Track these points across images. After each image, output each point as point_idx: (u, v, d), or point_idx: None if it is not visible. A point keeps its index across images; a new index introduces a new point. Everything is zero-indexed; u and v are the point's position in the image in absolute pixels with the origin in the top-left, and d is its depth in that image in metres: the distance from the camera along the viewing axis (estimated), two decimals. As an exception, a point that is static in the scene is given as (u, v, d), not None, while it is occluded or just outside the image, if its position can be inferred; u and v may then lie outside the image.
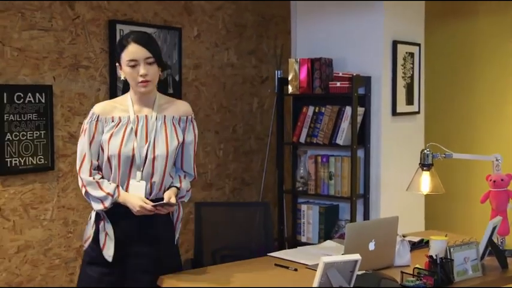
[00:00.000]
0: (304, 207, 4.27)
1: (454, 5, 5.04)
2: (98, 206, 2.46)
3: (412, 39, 4.37)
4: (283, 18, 4.88)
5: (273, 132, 4.64)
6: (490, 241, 2.56)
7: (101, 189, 2.43)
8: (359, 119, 4.09)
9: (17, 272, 3.46)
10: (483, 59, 4.98)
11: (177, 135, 2.52)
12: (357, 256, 2.09)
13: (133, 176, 2.46)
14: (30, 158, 3.44)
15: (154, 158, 2.46)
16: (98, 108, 2.54)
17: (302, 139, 4.24)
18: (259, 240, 3.30)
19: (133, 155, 2.44)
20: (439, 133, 4.86)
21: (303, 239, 4.24)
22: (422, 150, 2.85)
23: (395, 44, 4.18)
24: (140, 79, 2.44)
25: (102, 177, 2.49)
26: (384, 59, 4.14)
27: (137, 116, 2.50)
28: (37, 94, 3.47)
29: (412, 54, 4.35)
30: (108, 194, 2.43)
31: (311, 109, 4.23)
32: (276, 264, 2.66)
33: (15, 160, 3.38)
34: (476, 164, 4.39)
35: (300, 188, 4.32)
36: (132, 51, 2.44)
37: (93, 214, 2.54)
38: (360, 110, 4.09)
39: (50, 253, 3.60)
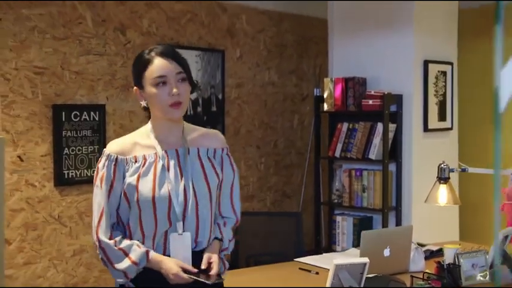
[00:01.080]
0: (339, 218, 4.48)
1: (488, 25, 5.18)
2: (119, 278, 1.98)
3: (444, 58, 4.54)
4: (322, 39, 5.14)
5: (312, 147, 4.89)
6: (502, 250, 2.73)
7: (127, 256, 1.94)
8: (391, 134, 4.29)
9: (73, 273, 3.83)
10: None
11: (215, 171, 2.06)
12: (365, 259, 2.32)
13: (173, 228, 1.96)
14: (85, 170, 3.82)
15: (197, 202, 1.98)
16: (114, 147, 2.00)
17: (337, 154, 4.47)
18: (291, 247, 3.55)
19: (170, 200, 1.94)
20: (474, 148, 4.99)
21: (338, 249, 4.45)
22: (440, 165, 3.05)
23: (426, 63, 4.37)
24: (172, 100, 1.93)
25: (124, 237, 1.99)
26: (415, 77, 4.34)
27: (166, 152, 2.00)
28: (91, 112, 3.85)
29: (444, 73, 4.52)
30: (134, 263, 1.94)
31: (345, 125, 4.46)
32: (300, 268, 2.91)
33: (72, 172, 3.76)
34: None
35: (336, 200, 4.55)
36: (160, 66, 1.94)
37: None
38: (392, 127, 4.30)
39: (102, 257, 3.97)
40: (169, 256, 1.97)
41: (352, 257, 3.13)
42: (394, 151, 4.33)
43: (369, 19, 4.51)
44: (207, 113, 4.56)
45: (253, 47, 4.87)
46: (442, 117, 4.55)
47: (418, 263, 2.79)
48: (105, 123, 3.93)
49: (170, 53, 1.98)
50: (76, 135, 3.77)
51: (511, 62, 0.93)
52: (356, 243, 4.39)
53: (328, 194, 4.68)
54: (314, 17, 5.19)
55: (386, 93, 4.25)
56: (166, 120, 2.00)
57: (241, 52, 4.79)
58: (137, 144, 2.01)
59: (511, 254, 2.71)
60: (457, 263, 2.57)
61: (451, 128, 4.63)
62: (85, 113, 3.82)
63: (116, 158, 1.97)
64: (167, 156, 2.00)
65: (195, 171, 2.01)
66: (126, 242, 1.97)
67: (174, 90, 1.93)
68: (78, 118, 3.79)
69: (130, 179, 1.96)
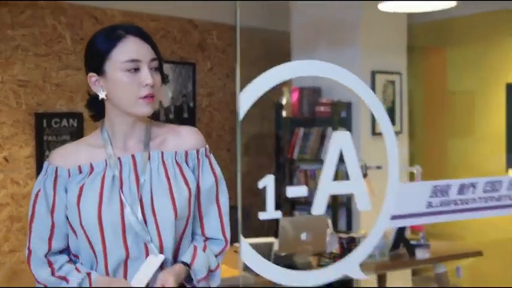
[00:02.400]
0: (297, 213, 4.98)
1: (439, 38, 5.63)
2: None
3: (393, 68, 5.02)
4: (287, 51, 5.65)
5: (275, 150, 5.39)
6: (401, 235, 3.22)
7: (67, 282, 1.59)
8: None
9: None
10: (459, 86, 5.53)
11: (185, 181, 1.62)
12: (271, 239, 2.82)
13: (137, 255, 1.57)
14: (64, 170, 4.36)
15: (157, 225, 1.57)
16: (56, 155, 1.62)
17: (295, 156, 4.97)
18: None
19: (123, 221, 1.55)
20: (423, 150, 5.46)
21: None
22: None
23: (373, 73, 4.85)
24: (145, 91, 1.54)
25: (70, 261, 1.63)
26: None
27: (119, 158, 1.60)
28: (70, 119, 4.39)
29: (393, 82, 5.00)
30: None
31: (302, 130, 4.96)
32: (234, 251, 3.40)
33: (52, 172, 4.31)
34: (451, 172, 4.96)
35: (295, 198, 5.04)
36: (134, 47, 1.55)
37: None
38: (341, 131, 4.78)
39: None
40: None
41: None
42: (345, 153, 4.81)
43: (323, 33, 5.01)
44: (179, 119, 5.08)
45: (223, 60, 5.39)
46: (391, 121, 5.01)
47: (333, 245, 3.27)
48: (83, 128, 4.46)
49: (144, 33, 1.59)
50: (56, 140, 4.31)
51: (250, 85, 1.41)
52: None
53: (289, 192, 5.16)
54: (282, 31, 5.69)
55: (336, 100, 4.74)
56: (128, 116, 1.60)
57: (211, 64, 5.31)
58: (84, 150, 1.61)
59: (409, 238, 3.20)
60: (356, 244, 3.06)
61: (400, 132, 5.10)
62: (64, 120, 4.36)
63: (56, 169, 1.59)
64: (120, 163, 1.59)
65: (155, 184, 1.58)
66: (66, 266, 1.61)
67: (150, 79, 1.54)
68: (58, 125, 4.33)
69: (71, 196, 1.57)
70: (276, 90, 5.52)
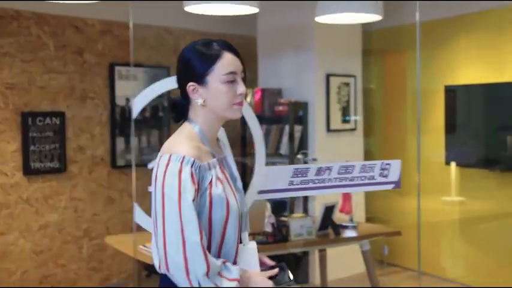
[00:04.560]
0: (260, 203, 5.50)
1: (394, 43, 6.14)
2: None
3: (347, 71, 5.54)
4: (254, 55, 6.18)
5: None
6: (328, 217, 3.74)
7: (229, 276, 1.68)
8: (298, 134, 5.31)
9: (39, 243, 4.91)
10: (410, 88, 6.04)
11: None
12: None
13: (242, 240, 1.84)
14: (48, 163, 4.91)
15: (247, 211, 1.87)
16: (190, 149, 1.72)
17: (258, 150, 5.49)
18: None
19: (237, 212, 1.77)
20: (378, 145, 5.98)
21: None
22: (295, 155, 4.06)
23: (328, 76, 5.37)
24: (239, 99, 1.79)
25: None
26: (318, 89, 5.35)
27: (218, 159, 1.82)
28: (53, 118, 4.94)
29: (347, 84, 5.53)
30: (235, 280, 1.69)
31: (264, 127, 5.49)
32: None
33: (37, 164, 4.85)
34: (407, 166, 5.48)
35: (259, 189, 5.57)
36: (232, 61, 1.79)
37: None
38: (298, 128, 5.31)
39: (63, 232, 5.05)
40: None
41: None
42: (302, 147, 5.34)
43: (284, 38, 5.54)
44: (154, 117, 5.62)
45: (196, 63, 5.92)
46: (345, 119, 5.55)
47: (268, 226, 3.80)
48: (65, 126, 5.01)
49: (235, 48, 1.83)
50: (40, 136, 4.86)
51: (145, 91, 1.94)
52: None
53: (255, 184, 5.70)
54: (249, 36, 6.22)
55: (293, 101, 5.27)
56: (220, 121, 1.83)
57: (186, 67, 5.84)
58: (201, 148, 1.76)
59: (338, 221, 3.73)
60: (287, 225, 3.59)
61: (354, 129, 5.62)
62: (48, 118, 4.90)
63: (199, 165, 1.70)
64: (221, 164, 1.82)
65: (237, 178, 1.89)
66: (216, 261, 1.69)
67: (242, 88, 1.79)
68: (42, 122, 4.88)
69: (217, 190, 1.71)
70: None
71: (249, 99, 5.50)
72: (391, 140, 6.14)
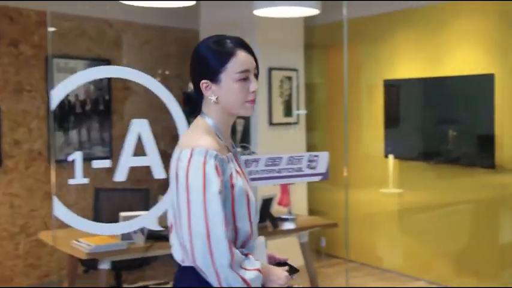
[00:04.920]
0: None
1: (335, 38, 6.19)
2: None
3: (289, 65, 5.56)
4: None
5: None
6: (266, 210, 3.75)
7: (250, 266, 1.70)
8: (240, 128, 5.30)
9: (-27, 240, 4.77)
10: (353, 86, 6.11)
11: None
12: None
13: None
14: (-18, 157, 4.77)
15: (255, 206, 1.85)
16: (211, 143, 1.73)
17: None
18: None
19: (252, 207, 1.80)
20: (321, 139, 6.04)
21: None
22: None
23: (270, 70, 5.39)
24: (251, 97, 1.80)
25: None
26: (260, 82, 5.34)
27: (233, 153, 1.85)
28: (-13, 111, 4.80)
29: (290, 78, 5.55)
30: (258, 269, 1.71)
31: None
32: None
33: (-30, 159, 4.71)
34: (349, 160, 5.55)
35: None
36: (245, 59, 1.80)
37: None
38: (240, 121, 5.31)
39: (-2, 227, 4.92)
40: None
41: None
42: (245, 141, 5.34)
43: (227, 32, 5.50)
44: (95, 111, 5.52)
45: (139, 56, 5.84)
46: (288, 113, 5.57)
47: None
48: (1, 119, 4.87)
49: (248, 45, 1.84)
50: (-27, 130, 4.72)
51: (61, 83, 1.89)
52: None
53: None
54: (192, 29, 6.18)
55: (235, 94, 5.26)
56: (232, 117, 1.85)
57: (128, 61, 5.76)
58: (218, 142, 1.77)
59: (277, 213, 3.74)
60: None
61: (296, 123, 5.65)
62: (-19, 111, 4.76)
63: (221, 158, 1.71)
64: (235, 158, 1.84)
65: (247, 174, 1.90)
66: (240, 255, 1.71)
67: (255, 86, 1.80)
68: (-25, 116, 4.73)
69: (238, 182, 1.73)
70: (176, 84, 6.02)
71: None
72: (333, 133, 6.20)
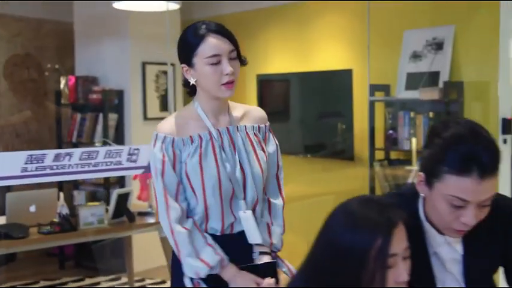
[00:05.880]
0: (76, 192, 5.38)
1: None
2: (189, 272, 1.91)
3: (165, 60, 5.54)
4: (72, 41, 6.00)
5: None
6: (123, 205, 3.74)
7: (198, 256, 1.89)
8: (113, 123, 5.23)
9: None
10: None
11: (263, 148, 2.03)
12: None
13: (236, 207, 1.95)
14: None
15: (253, 181, 1.96)
16: (168, 127, 1.95)
17: (74, 139, 5.36)
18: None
19: (230, 180, 1.92)
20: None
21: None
22: (94, 143, 3.99)
23: (144, 64, 5.35)
24: (225, 79, 1.90)
25: (195, 225, 1.93)
26: (134, 76, 5.30)
27: (218, 130, 1.96)
28: None
29: (165, 72, 5.53)
30: (207, 265, 1.88)
31: (79, 116, 5.36)
32: None
33: None
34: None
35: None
36: (214, 44, 1.89)
37: (186, 280, 1.95)
38: (114, 116, 5.24)
39: None
40: (239, 234, 1.96)
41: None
42: (118, 136, 5.28)
43: (101, 25, 5.43)
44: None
45: (10, 49, 5.64)
46: (163, 108, 5.55)
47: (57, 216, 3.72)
48: None
49: (222, 30, 1.92)
50: None
51: None
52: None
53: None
54: (66, 22, 6.03)
55: (107, 89, 5.19)
56: (215, 98, 1.95)
57: (-3, 54, 5.55)
58: (189, 122, 1.95)
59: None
60: (76, 213, 3.54)
61: (173, 117, 5.64)
62: None
63: (173, 140, 1.90)
64: (220, 135, 1.95)
65: (247, 149, 1.97)
66: (197, 232, 1.91)
67: (229, 69, 1.89)
68: None
69: (192, 160, 1.90)
70: (52, 78, 5.88)
71: (62, 86, 5.34)
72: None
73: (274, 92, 5.57)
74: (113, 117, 5.25)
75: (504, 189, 3.83)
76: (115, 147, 2.29)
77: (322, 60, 5.00)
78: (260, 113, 2.09)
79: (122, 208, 3.74)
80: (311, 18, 5.10)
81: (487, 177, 1.41)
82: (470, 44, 3.98)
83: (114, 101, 5.24)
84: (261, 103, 5.55)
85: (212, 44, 1.88)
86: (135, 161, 2.33)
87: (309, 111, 5.16)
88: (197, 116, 1.96)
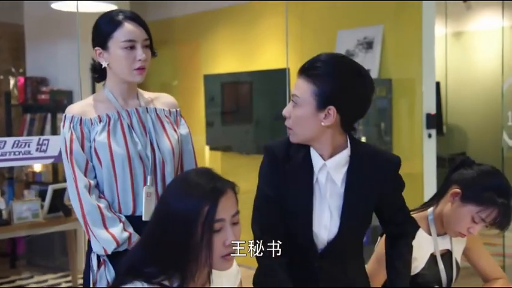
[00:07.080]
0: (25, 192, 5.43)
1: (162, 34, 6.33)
2: (97, 248, 1.96)
3: (115, 61, 5.63)
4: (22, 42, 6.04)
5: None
6: (59, 200, 3.82)
7: (106, 228, 1.95)
8: (60, 122, 5.30)
9: None
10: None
11: (173, 128, 2.15)
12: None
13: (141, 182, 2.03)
14: None
15: (163, 159, 2.06)
16: (76, 108, 2.07)
17: (24, 140, 5.42)
18: None
19: (140, 156, 2.02)
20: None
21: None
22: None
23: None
24: (138, 65, 2.01)
25: (106, 200, 2.00)
26: (83, 78, 5.37)
27: (127, 111, 2.06)
28: None
29: (115, 73, 5.62)
30: (115, 241, 1.94)
31: (28, 116, 5.43)
32: None
33: None
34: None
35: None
36: (131, 30, 2.00)
37: (93, 257, 2.00)
38: (61, 116, 5.31)
39: None
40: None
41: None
42: (68, 136, 5.35)
43: (51, 26, 5.49)
44: None
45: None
46: (114, 108, 5.63)
47: (-1, 212, 3.79)
48: None
49: (138, 18, 2.04)
50: None
51: None
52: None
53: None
54: (19, 24, 6.07)
55: (56, 89, 5.26)
56: (125, 82, 2.05)
57: None
58: (97, 104, 2.05)
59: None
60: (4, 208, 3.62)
61: (124, 117, 5.72)
62: None
63: (80, 119, 2.00)
64: (129, 114, 2.05)
65: (156, 129, 2.08)
66: (107, 206, 1.98)
67: (143, 55, 2.00)
68: None
69: (100, 137, 1.99)
70: (5, 80, 5.94)
71: (11, 87, 5.41)
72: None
73: (224, 92, 5.67)
74: (61, 117, 5.31)
75: (430, 181, 3.98)
76: (23, 138, 2.38)
77: (266, 60, 5.12)
78: (170, 99, 2.22)
79: (57, 203, 3.82)
80: (256, 19, 5.22)
81: None
82: (398, 42, 4.14)
83: (63, 102, 5.31)
84: (207, 103, 5.65)
85: (128, 29, 1.99)
86: (44, 151, 2.42)
87: (259, 111, 5.28)
88: (106, 98, 2.06)
